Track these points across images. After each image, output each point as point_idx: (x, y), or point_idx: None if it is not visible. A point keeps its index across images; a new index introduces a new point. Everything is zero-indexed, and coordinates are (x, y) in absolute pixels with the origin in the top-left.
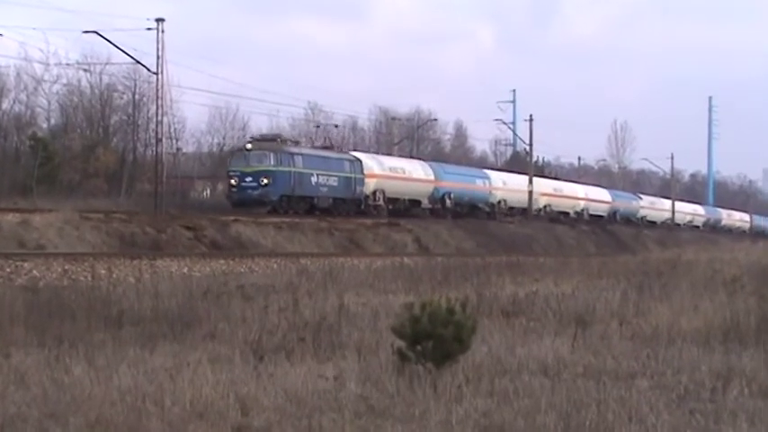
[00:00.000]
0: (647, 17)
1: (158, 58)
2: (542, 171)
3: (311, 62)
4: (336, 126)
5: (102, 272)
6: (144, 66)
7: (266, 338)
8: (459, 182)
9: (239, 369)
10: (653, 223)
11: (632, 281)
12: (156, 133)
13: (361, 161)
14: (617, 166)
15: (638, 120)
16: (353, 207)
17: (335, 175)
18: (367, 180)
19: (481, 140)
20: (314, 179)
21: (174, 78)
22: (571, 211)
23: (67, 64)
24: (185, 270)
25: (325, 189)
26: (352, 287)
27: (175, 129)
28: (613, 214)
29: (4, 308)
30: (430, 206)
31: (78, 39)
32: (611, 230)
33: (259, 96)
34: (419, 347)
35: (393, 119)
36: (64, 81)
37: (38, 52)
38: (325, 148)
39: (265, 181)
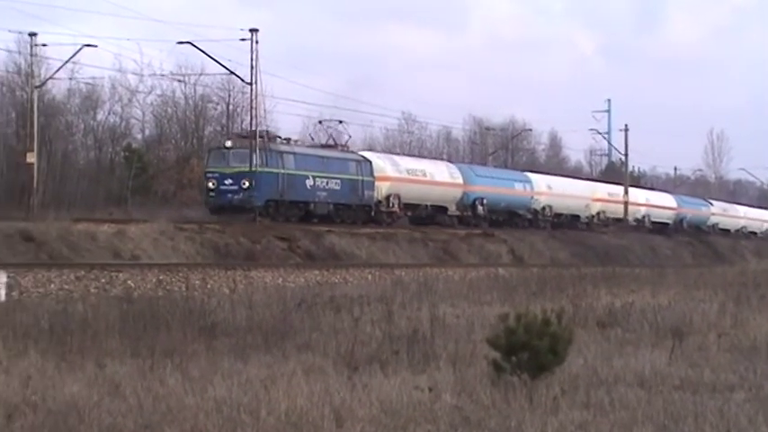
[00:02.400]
0: (749, 26)
1: (252, 68)
2: (638, 181)
3: (406, 71)
4: (341, 122)
5: (197, 282)
6: (238, 76)
7: (360, 349)
8: (494, 186)
9: (333, 380)
10: (726, 231)
11: (730, 292)
12: (251, 144)
13: (370, 162)
14: (713, 176)
15: (736, 129)
16: (361, 214)
17: (337, 178)
18: (378, 183)
19: (576, 150)
20: (309, 182)
21: (268, 88)
22: (630, 218)
23: (162, 75)
24: (279, 281)
25: (323, 194)
26: (447, 298)
27: (277, 139)
28: (680, 221)
29: (99, 318)
30: (458, 213)
31: (173, 50)
32: (707, 241)
33: (353, 106)
34: (514, 359)
35: (487, 129)
36: (158, 92)
37: (132, 63)
38: (326, 146)
39: (247, 184)
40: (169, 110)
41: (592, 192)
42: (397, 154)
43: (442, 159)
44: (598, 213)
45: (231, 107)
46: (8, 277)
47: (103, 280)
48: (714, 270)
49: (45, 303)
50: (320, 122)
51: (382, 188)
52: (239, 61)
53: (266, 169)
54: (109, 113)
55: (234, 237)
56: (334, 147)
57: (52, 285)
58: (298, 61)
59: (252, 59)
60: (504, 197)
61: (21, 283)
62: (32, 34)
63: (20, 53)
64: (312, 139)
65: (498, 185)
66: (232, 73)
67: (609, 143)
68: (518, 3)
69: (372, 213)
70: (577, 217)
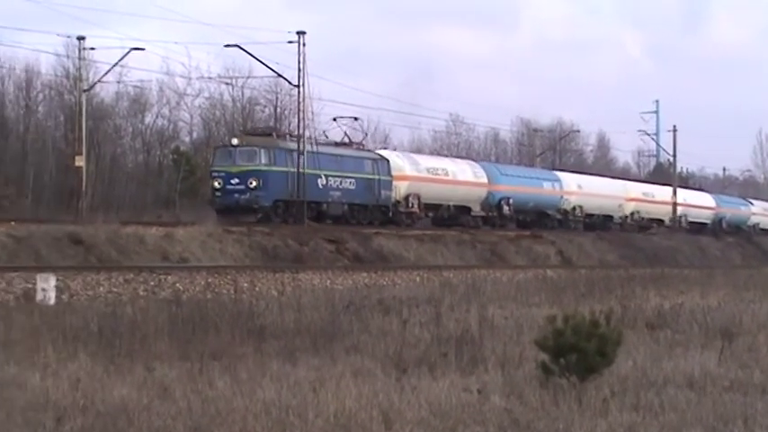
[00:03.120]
0: None
1: (299, 70)
2: (686, 182)
3: (454, 73)
4: (356, 119)
5: (245, 285)
6: (285, 79)
7: (409, 351)
8: (521, 185)
9: (382, 382)
10: (767, 231)
11: None
12: (298, 146)
13: (388, 161)
14: (762, 176)
15: None
16: (378, 215)
17: (352, 177)
18: (397, 183)
19: (624, 151)
20: (321, 181)
21: (316, 91)
22: (665, 218)
23: (209, 78)
24: (327, 283)
25: (337, 193)
26: (495, 300)
27: (315, 142)
28: (719, 221)
29: (148, 321)
30: (482, 214)
31: (220, 52)
32: (757, 242)
33: (400, 108)
34: (563, 361)
35: (535, 130)
36: (206, 95)
37: (180, 66)
38: (341, 144)
39: (254, 183)
40: (217, 113)
41: (625, 191)
42: (425, 153)
43: (464, 158)
44: (632, 213)
45: (279, 110)
46: (57, 280)
47: (152, 283)
48: (763, 271)
49: (94, 306)
50: (334, 120)
51: (401, 188)
52: (287, 64)
53: (274, 168)
54: (157, 116)
55: (282, 239)
56: (349, 145)
57: (101, 288)
58: (345, 63)
59: (299, 62)
60: (531, 197)
61: (70, 287)
62: (81, 38)
63: (68, 57)
64: (326, 137)
65: (525, 185)
66: (279, 75)
67: (657, 144)
68: (568, 3)
69: (390, 214)
70: (610, 217)
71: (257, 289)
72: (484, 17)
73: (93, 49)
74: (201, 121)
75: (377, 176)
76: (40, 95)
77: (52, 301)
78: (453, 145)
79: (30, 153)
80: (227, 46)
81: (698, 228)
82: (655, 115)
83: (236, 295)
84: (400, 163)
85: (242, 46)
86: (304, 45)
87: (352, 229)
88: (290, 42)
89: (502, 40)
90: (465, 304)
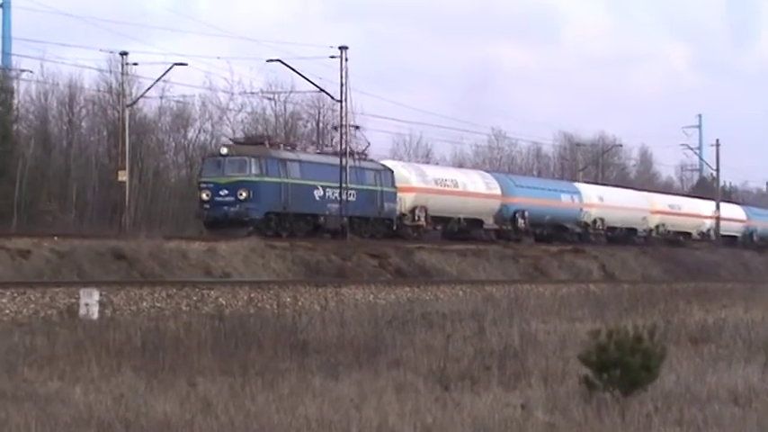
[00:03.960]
0: None
1: (342, 85)
2: (729, 196)
3: (496, 87)
4: (357, 128)
5: (288, 300)
6: (328, 93)
7: (452, 366)
8: (537, 197)
9: (425, 397)
10: None
11: None
12: (341, 161)
13: (391, 171)
14: None
15: None
16: (381, 228)
17: (352, 188)
18: (402, 195)
19: (666, 166)
20: (318, 192)
21: (358, 106)
22: (694, 232)
23: (252, 93)
24: (370, 298)
25: (336, 206)
26: (538, 314)
27: (359, 158)
28: (749, 234)
29: (190, 336)
30: (496, 227)
31: (263, 67)
32: None
33: (443, 123)
34: (606, 375)
35: (577, 145)
36: (248, 110)
37: (222, 81)
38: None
39: (244, 194)
40: (259, 127)
41: (650, 203)
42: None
43: (476, 169)
44: (657, 227)
45: (321, 125)
46: (101, 295)
47: (195, 298)
48: None
49: (137, 321)
50: (335, 128)
51: (406, 200)
52: (329, 78)
53: (266, 179)
54: (199, 131)
55: (324, 254)
56: (351, 155)
57: (144, 303)
58: (388, 78)
59: (342, 77)
60: (548, 209)
61: (113, 301)
62: (124, 53)
63: (111, 72)
64: (328, 146)
65: (542, 196)
66: (322, 90)
67: (700, 158)
68: (612, 17)
69: (395, 227)
70: (634, 230)
71: (300, 304)
72: (526, 32)
73: (135, 64)
74: (244, 136)
75: (379, 188)
76: (84, 111)
77: (95, 316)
78: (495, 159)
79: (73, 168)
80: (270, 61)
81: (728, 241)
82: (697, 129)
83: (278, 310)
84: (405, 174)
85: (284, 61)
86: (346, 60)
87: (394, 244)
88: (333, 57)
89: (545, 55)
90: (508, 319)
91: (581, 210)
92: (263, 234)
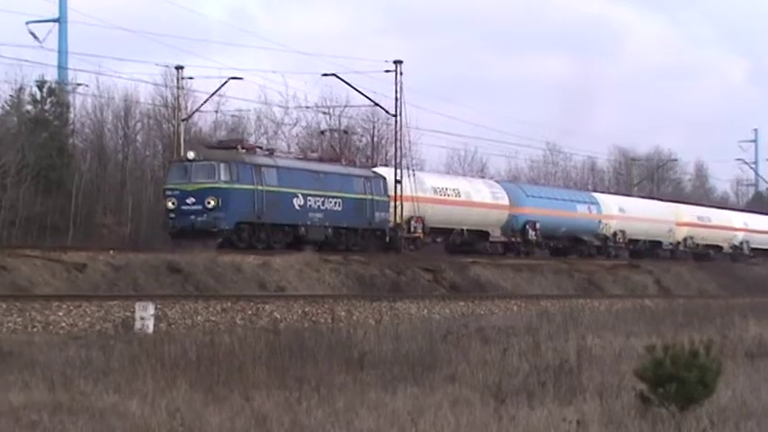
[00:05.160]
0: None
1: (397, 99)
2: None
3: (554, 101)
4: (346, 132)
5: (342, 314)
6: (382, 108)
7: (507, 381)
8: (550, 208)
9: (480, 412)
10: None
11: None
12: (395, 175)
13: (383, 178)
14: None
15: None
16: (372, 240)
17: (338, 197)
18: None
19: (722, 180)
20: (298, 201)
21: (413, 120)
22: (725, 245)
23: (307, 107)
24: (425, 312)
25: (318, 215)
26: (593, 329)
27: (413, 172)
28: None
29: (246, 349)
30: (503, 239)
31: (317, 81)
32: None
33: (497, 138)
34: (662, 390)
35: (632, 159)
36: (303, 124)
37: (277, 96)
38: (326, 160)
39: (212, 203)
40: (314, 142)
41: (676, 215)
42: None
43: (481, 178)
44: (685, 239)
45: (376, 139)
46: (156, 309)
47: (249, 311)
48: None
49: (192, 335)
50: (322, 133)
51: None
52: (384, 93)
53: (237, 185)
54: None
55: (379, 268)
56: (336, 160)
57: (199, 317)
58: (443, 92)
59: (396, 91)
60: (563, 221)
61: (168, 315)
62: (179, 67)
63: (167, 86)
64: (312, 152)
65: (556, 207)
66: (377, 105)
67: (756, 173)
68: (668, 30)
69: (387, 239)
70: (659, 243)
71: (354, 318)
72: (583, 45)
73: (191, 78)
74: (299, 151)
75: (369, 196)
76: (139, 125)
77: (150, 330)
78: (550, 174)
79: (128, 182)
80: (325, 75)
81: (763, 254)
82: (754, 144)
83: (333, 324)
84: None
85: (339, 75)
86: (401, 74)
87: (449, 259)
88: (387, 71)
89: (599, 68)
90: (563, 333)
91: (600, 221)
92: (235, 246)
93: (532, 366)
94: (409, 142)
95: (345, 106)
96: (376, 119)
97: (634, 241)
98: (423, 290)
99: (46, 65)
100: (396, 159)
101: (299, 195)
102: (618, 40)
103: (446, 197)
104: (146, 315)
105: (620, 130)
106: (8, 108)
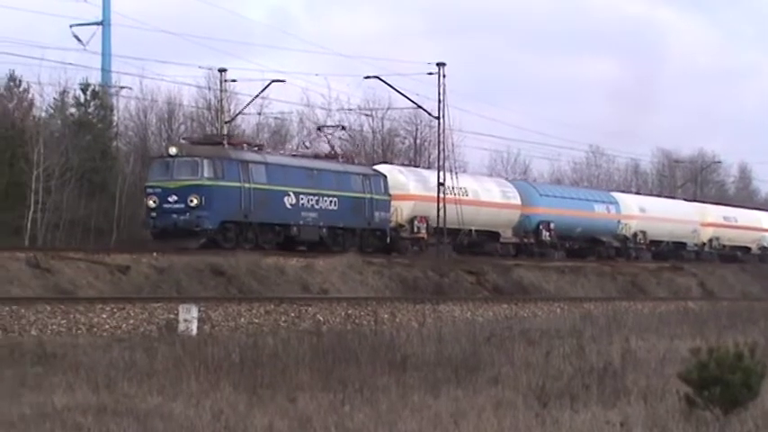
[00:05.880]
0: None
1: (440, 102)
2: None
3: (597, 103)
4: (344, 128)
5: (385, 316)
6: (425, 110)
7: (550, 384)
8: (565, 207)
9: (523, 415)
10: None
11: None
12: (438, 178)
13: (384, 176)
14: None
15: None
16: (371, 241)
17: (333, 195)
18: (398, 203)
19: (766, 182)
20: (289, 200)
21: (456, 122)
22: (753, 246)
23: (349, 109)
24: (468, 315)
25: (312, 215)
26: (637, 332)
27: (457, 173)
28: None
29: (289, 352)
30: (515, 240)
31: (360, 84)
32: None
33: (540, 140)
34: (706, 393)
35: (675, 161)
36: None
37: (320, 98)
38: (321, 156)
39: (195, 201)
40: (357, 144)
41: (701, 215)
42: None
43: (493, 176)
44: (710, 240)
45: (419, 141)
46: (199, 311)
47: (293, 314)
48: None
49: (235, 337)
50: (319, 129)
51: (403, 209)
52: (426, 95)
53: (221, 183)
54: (297, 148)
55: (422, 270)
56: (333, 157)
57: (242, 319)
58: (485, 94)
59: (439, 93)
60: (579, 221)
61: (211, 317)
62: (222, 70)
63: (210, 89)
64: (306, 148)
65: (571, 207)
66: (419, 107)
67: None
68: (712, 32)
69: (388, 240)
70: (683, 245)
71: (398, 320)
72: (626, 47)
73: (234, 81)
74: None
75: (368, 195)
76: (182, 127)
77: (194, 332)
78: (593, 176)
79: None
80: (367, 77)
81: None
82: None
83: (376, 326)
84: (402, 179)
85: (382, 77)
86: (444, 76)
87: (492, 261)
88: (430, 74)
89: (642, 70)
90: (606, 336)
91: (619, 222)
92: (220, 246)
93: (576, 369)
94: (452, 145)
95: (388, 109)
96: (419, 121)
97: (656, 242)
98: (466, 292)
99: (90, 68)
100: (439, 162)
101: (291, 193)
102: (661, 41)
103: (451, 196)
104: (189, 317)
105: (664, 132)
106: (52, 111)
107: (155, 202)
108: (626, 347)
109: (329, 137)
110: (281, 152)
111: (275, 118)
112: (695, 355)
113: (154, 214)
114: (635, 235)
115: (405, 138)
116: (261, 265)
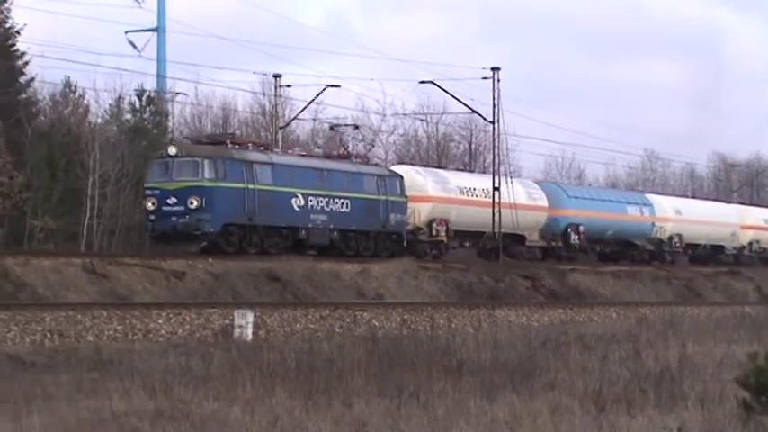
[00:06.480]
0: None
1: (494, 107)
2: None
3: (652, 107)
4: (356, 127)
5: (441, 321)
6: (480, 115)
7: (607, 388)
8: (596, 210)
9: (580, 420)
10: None
11: None
12: (493, 183)
13: (400, 177)
14: None
15: None
16: (386, 244)
17: (345, 197)
18: (415, 205)
19: None
20: (297, 201)
21: (510, 127)
22: None
23: (404, 114)
24: (523, 320)
25: (322, 217)
26: (694, 336)
27: (511, 178)
28: None
29: (345, 357)
30: (542, 244)
31: (415, 89)
32: None
33: (595, 144)
34: (764, 398)
35: (732, 165)
36: (401, 131)
37: (375, 103)
38: (333, 157)
39: (195, 203)
40: (412, 149)
41: (741, 217)
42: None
43: (517, 177)
44: (750, 243)
45: (473, 146)
46: (255, 317)
47: (348, 319)
48: None
49: (291, 342)
50: (332, 128)
51: (421, 211)
52: (481, 100)
53: (223, 184)
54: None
55: (477, 275)
56: (346, 157)
57: (297, 325)
58: (540, 98)
59: (494, 98)
60: (611, 223)
61: (267, 323)
62: (277, 75)
63: (264, 94)
64: (318, 147)
65: (602, 209)
66: (474, 112)
67: None
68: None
69: (404, 243)
70: (721, 248)
71: (453, 325)
72: (680, 49)
73: (289, 86)
74: (396, 158)
75: (382, 196)
76: (237, 133)
77: (249, 337)
78: (649, 180)
79: None
80: (423, 82)
81: None
82: None
83: (432, 332)
84: (421, 181)
85: (436, 82)
86: (498, 81)
87: (547, 266)
88: (485, 79)
89: (699, 73)
90: (663, 341)
91: (653, 224)
92: (222, 250)
93: (633, 374)
94: (507, 149)
95: (443, 113)
96: (473, 126)
97: (693, 246)
98: (521, 297)
99: (145, 74)
100: (494, 167)
101: (299, 195)
102: (718, 43)
103: (473, 197)
104: (245, 322)
105: (721, 135)
106: (108, 117)
107: (153, 204)
108: (683, 352)
109: (341, 136)
110: (290, 152)
111: (330, 123)
112: (753, 359)
113: (152, 217)
114: (670, 238)
115: (459, 142)
116: (316, 270)
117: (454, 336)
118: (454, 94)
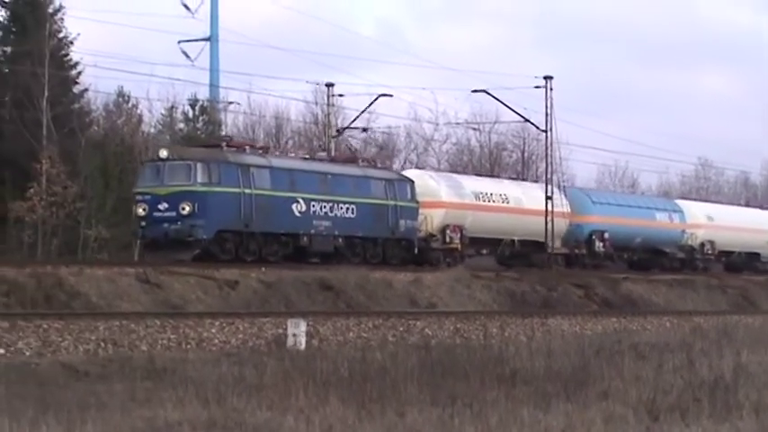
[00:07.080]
0: None
1: (547, 115)
2: None
3: (706, 115)
4: (365, 130)
5: (494, 330)
6: (533, 124)
7: (661, 398)
8: (622, 216)
9: (633, 429)
10: None
11: None
12: (546, 192)
13: (411, 182)
14: None
15: None
16: (396, 252)
17: (350, 202)
18: (427, 211)
19: None
20: (298, 207)
21: (563, 135)
22: None
23: (457, 123)
24: (577, 328)
25: (325, 223)
26: (748, 345)
27: (564, 187)
28: None
29: (398, 366)
30: (564, 251)
31: (467, 98)
32: None
33: (648, 152)
34: None
35: None
36: (453, 140)
37: (427, 112)
38: (338, 160)
39: (188, 208)
40: (464, 158)
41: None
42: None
43: (535, 182)
44: None
45: (526, 155)
46: (308, 326)
47: (401, 328)
48: None
49: (343, 351)
50: (338, 132)
51: (433, 217)
52: (534, 108)
53: (217, 188)
54: (405, 162)
55: (530, 284)
56: (353, 161)
57: (351, 333)
58: (593, 106)
59: (547, 107)
60: (638, 230)
61: (320, 332)
62: (329, 85)
63: (317, 104)
64: (323, 150)
65: (629, 215)
66: (527, 120)
67: None
68: None
69: (416, 251)
70: (756, 255)
71: (506, 334)
72: (733, 56)
73: (341, 95)
74: (449, 167)
75: (391, 202)
76: (290, 142)
77: (302, 347)
78: (702, 189)
79: None
80: (475, 91)
81: None
82: None
83: (485, 341)
84: (433, 185)
85: (489, 91)
86: (551, 90)
87: (600, 274)
88: (537, 87)
89: (752, 80)
90: (717, 350)
91: (683, 231)
92: (216, 258)
93: (687, 383)
94: (560, 158)
95: (495, 122)
96: (526, 134)
97: (727, 253)
98: (574, 306)
99: (198, 83)
100: (546, 175)
101: (300, 200)
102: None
103: (490, 203)
104: (298, 332)
105: None
106: (161, 127)
107: (144, 210)
108: (737, 361)
109: (348, 139)
110: (291, 155)
111: (383, 132)
112: None
113: (143, 223)
114: (702, 245)
115: (512, 151)
116: (369, 279)
117: (507, 345)
118: (507, 103)
